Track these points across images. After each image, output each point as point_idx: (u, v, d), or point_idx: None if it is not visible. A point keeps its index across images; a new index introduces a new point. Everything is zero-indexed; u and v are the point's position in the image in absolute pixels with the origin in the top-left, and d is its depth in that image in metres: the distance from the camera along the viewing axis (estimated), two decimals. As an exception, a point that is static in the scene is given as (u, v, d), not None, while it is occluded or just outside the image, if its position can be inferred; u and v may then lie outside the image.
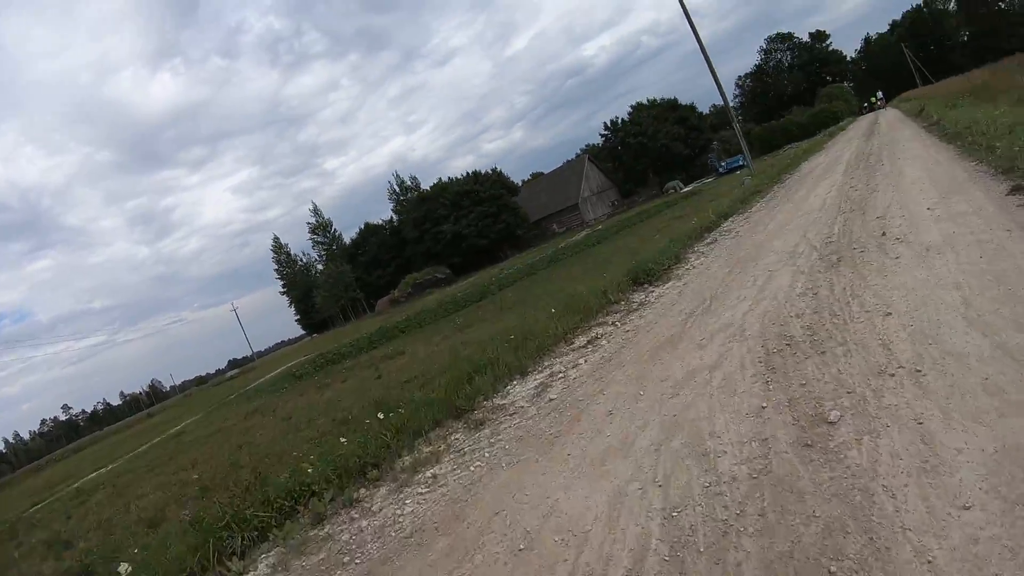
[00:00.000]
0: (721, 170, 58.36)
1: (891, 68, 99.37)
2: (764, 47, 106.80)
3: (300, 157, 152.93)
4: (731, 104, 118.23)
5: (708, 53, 22.67)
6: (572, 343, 8.13)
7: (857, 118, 61.59)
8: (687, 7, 22.88)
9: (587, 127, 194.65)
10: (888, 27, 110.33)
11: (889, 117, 35.60)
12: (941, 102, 23.06)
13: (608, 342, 7.46)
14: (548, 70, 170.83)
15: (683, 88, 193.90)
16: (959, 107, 17.04)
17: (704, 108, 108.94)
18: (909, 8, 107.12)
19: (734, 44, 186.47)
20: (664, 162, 67.86)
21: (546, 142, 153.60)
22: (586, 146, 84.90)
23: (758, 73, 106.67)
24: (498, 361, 7.77)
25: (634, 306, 9.00)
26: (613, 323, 8.36)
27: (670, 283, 9.72)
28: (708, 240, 12.95)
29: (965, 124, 12.27)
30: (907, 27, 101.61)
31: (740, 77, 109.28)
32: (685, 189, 55.38)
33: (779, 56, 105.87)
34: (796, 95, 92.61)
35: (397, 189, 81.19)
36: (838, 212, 9.42)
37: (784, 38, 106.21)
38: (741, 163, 54.82)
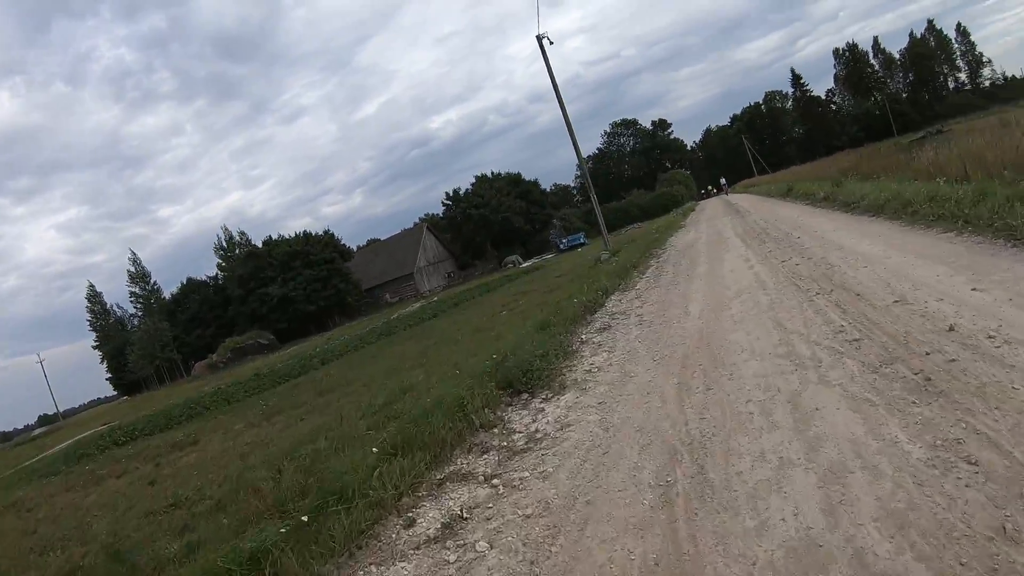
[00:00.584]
0: (562, 247, 65.54)
1: (728, 157, 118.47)
2: (608, 131, 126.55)
3: (133, 201, 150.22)
4: (572, 185, 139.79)
5: (572, 127, 27.91)
6: (411, 518, 4.93)
7: (698, 202, 72.78)
8: (560, 91, 28.71)
9: (426, 199, 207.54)
10: (729, 120, 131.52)
11: (746, 200, 41.31)
12: (809, 184, 26.28)
13: (479, 533, 4.44)
14: (394, 138, 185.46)
15: (525, 168, 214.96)
16: (846, 185, 18.74)
17: (546, 186, 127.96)
18: (749, 104, 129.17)
19: (579, 128, 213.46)
20: (504, 236, 76.30)
21: (385, 210, 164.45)
22: (425, 215, 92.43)
23: (601, 156, 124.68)
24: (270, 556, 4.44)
25: (517, 439, 6.19)
26: (484, 477, 5.48)
27: (567, 394, 7.21)
28: (596, 324, 10.99)
29: (886, 198, 12.95)
30: (746, 121, 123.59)
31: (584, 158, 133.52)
32: (524, 264, 62.54)
33: (622, 141, 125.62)
34: (636, 178, 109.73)
35: (224, 244, 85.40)
36: (800, 291, 8.13)
37: (628, 124, 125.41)
38: (582, 241, 64.61)
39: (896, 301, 6.61)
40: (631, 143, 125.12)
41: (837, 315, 6.82)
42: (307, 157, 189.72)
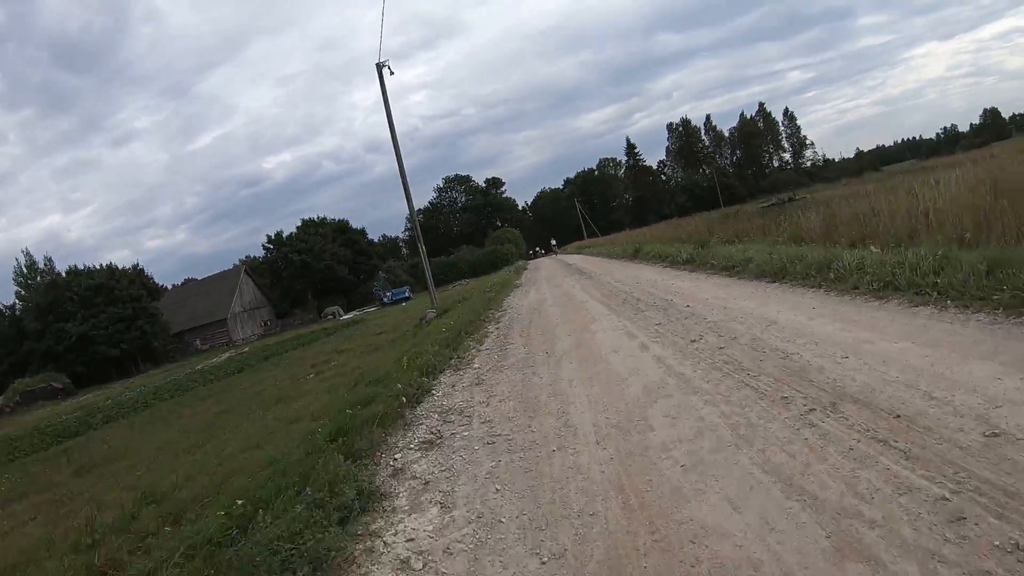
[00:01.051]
0: (386, 300, 69.60)
1: (559, 219, 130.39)
2: (441, 186, 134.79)
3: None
4: (401, 237, 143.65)
5: (404, 171, 29.35)
6: None
7: (528, 261, 77.99)
8: (396, 131, 31.46)
9: (252, 241, 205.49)
10: (562, 183, 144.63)
11: (585, 260, 44.61)
12: (659, 245, 29.21)
13: None
14: (225, 175, 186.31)
15: (356, 217, 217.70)
16: (713, 248, 19.75)
17: (375, 236, 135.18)
18: (582, 169, 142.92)
19: (414, 182, 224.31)
20: (326, 285, 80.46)
21: (208, 249, 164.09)
22: (246, 257, 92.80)
23: (432, 210, 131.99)
24: None
25: None
26: None
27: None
28: (420, 430, 7.74)
29: (781, 261, 12.78)
30: (579, 184, 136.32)
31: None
32: (345, 316, 65.62)
33: (454, 196, 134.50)
34: (466, 235, 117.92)
35: (25, 270, 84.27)
36: (768, 400, 5.77)
37: (461, 180, 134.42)
38: (407, 295, 67.58)
39: (992, 434, 4.18)
40: (463, 199, 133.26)
41: (905, 469, 3.97)
42: (133, 184, 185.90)
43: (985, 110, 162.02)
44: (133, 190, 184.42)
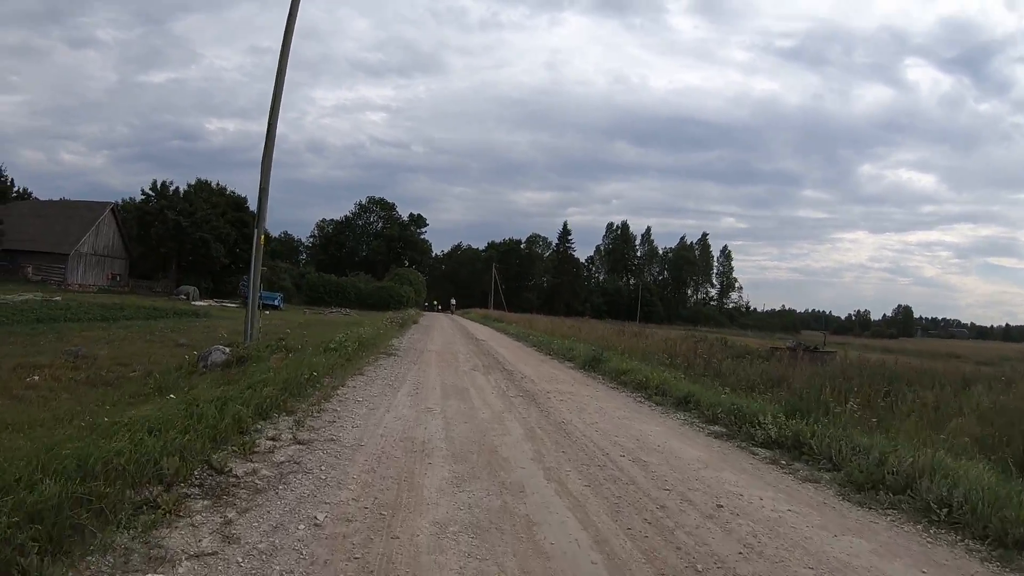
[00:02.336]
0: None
1: (471, 280, 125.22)
2: (363, 203, 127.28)
3: None
4: (304, 241, 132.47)
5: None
6: None
7: (424, 313, 73.47)
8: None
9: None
10: (484, 245, 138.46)
11: (489, 334, 38.82)
12: (587, 346, 24.69)
13: None
14: (165, 119, 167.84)
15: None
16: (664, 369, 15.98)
17: (275, 231, 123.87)
18: (508, 239, 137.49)
19: (338, 196, 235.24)
20: (197, 259, 72.48)
21: (121, 185, 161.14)
22: (125, 200, 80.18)
23: (344, 224, 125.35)
24: None
25: None
26: None
27: None
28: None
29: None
30: (502, 252, 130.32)
31: (324, 220, 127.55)
32: (199, 303, 58.90)
33: (371, 219, 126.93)
34: (372, 262, 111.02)
35: None
36: None
37: (384, 206, 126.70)
38: (278, 304, 61.04)
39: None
40: (379, 224, 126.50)
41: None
42: (72, 92, 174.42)
43: (900, 306, 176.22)
44: (69, 97, 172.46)
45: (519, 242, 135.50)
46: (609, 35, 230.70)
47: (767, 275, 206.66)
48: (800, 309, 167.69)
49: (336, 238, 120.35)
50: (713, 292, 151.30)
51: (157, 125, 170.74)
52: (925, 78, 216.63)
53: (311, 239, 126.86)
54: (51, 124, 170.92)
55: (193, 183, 76.50)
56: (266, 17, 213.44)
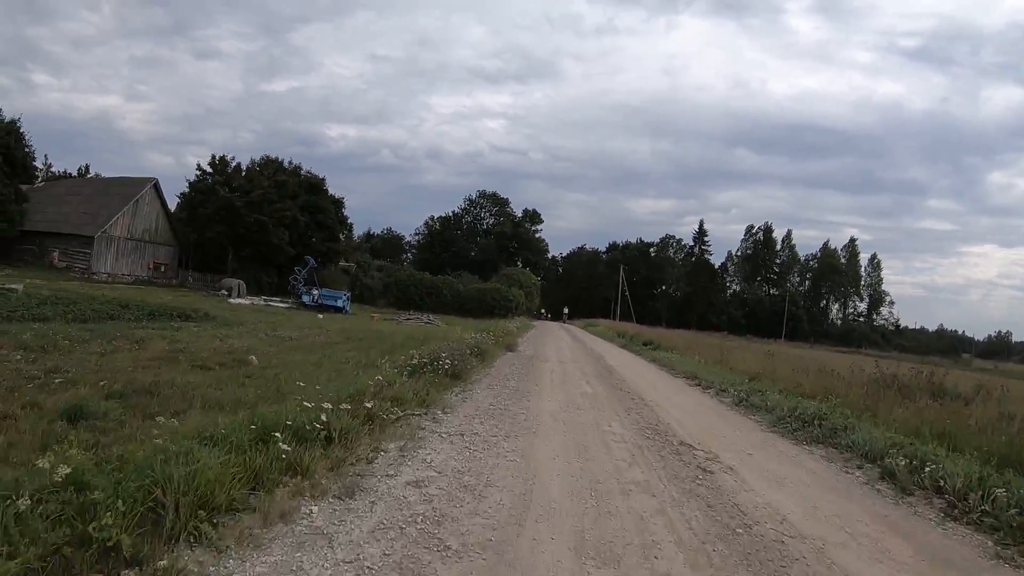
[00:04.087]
0: (307, 300, 48.03)
1: (590, 285, 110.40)
2: (472, 198, 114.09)
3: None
4: (407, 238, 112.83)
5: None
6: None
7: (533, 323, 59.58)
8: None
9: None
10: (607, 246, 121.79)
11: (638, 369, 22.56)
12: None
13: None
14: (286, 125, 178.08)
15: (380, 217, 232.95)
16: None
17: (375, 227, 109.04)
18: (637, 240, 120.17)
19: (455, 202, 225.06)
20: (255, 248, 58.62)
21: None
22: (188, 183, 60.94)
23: (452, 220, 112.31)
24: None
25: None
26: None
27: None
28: None
29: None
30: (626, 255, 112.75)
31: (432, 217, 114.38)
32: (239, 300, 45.98)
33: (482, 214, 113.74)
34: (478, 263, 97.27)
35: None
36: None
37: (496, 200, 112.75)
38: (342, 305, 47.08)
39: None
40: (490, 220, 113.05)
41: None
42: (198, 101, 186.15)
43: None
44: (195, 106, 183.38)
45: (649, 244, 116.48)
46: (727, 38, 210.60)
47: (891, 290, 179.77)
48: (918, 325, 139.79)
49: (443, 235, 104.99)
50: (862, 306, 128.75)
51: (279, 132, 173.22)
52: None
53: (417, 236, 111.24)
54: (179, 131, 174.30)
55: (258, 159, 60.36)
56: (382, 24, 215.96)
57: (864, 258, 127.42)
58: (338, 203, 65.88)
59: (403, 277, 67.79)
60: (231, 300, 43.16)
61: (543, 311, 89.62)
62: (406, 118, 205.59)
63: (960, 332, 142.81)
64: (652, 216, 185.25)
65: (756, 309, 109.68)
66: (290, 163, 63.96)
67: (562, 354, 23.45)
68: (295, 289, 48.12)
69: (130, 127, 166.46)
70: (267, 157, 62.42)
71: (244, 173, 58.44)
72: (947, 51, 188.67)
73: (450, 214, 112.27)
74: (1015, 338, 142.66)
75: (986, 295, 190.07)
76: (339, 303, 46.01)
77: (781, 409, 11.50)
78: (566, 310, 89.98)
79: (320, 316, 38.56)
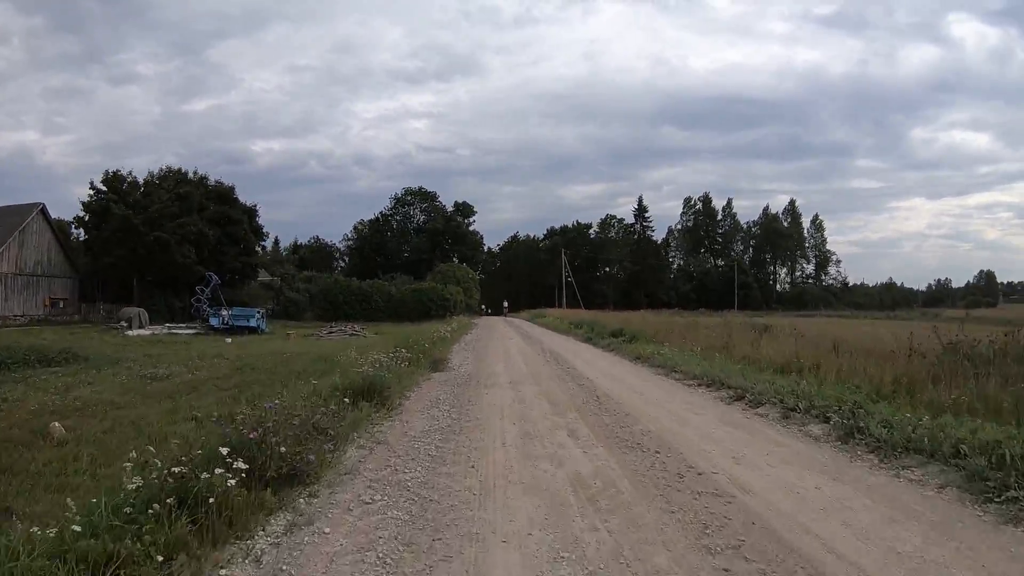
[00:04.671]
0: (216, 322, 41.76)
1: (532, 275, 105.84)
2: (399, 196, 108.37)
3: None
4: (336, 245, 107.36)
5: None
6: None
7: (474, 320, 56.15)
8: None
9: None
10: (545, 232, 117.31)
11: (576, 350, 20.77)
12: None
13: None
14: (211, 145, 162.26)
15: (312, 226, 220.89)
16: None
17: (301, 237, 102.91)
18: (575, 223, 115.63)
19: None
20: (161, 269, 51.47)
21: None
22: (82, 205, 54.58)
23: (381, 222, 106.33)
24: None
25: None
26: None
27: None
28: None
29: None
30: (567, 238, 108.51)
31: (361, 221, 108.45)
32: (139, 331, 39.40)
33: (412, 212, 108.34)
34: (412, 263, 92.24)
35: None
36: None
37: (425, 196, 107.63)
38: (255, 324, 41.27)
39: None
40: (421, 218, 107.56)
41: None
42: (117, 127, 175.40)
43: (981, 271, 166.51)
44: (115, 133, 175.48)
45: (587, 226, 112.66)
46: (645, 19, 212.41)
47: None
48: (861, 281, 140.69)
49: (372, 239, 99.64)
50: (809, 268, 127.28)
51: (203, 152, 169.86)
52: (971, 33, 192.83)
53: (346, 243, 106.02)
54: (101, 160, 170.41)
55: (157, 171, 55.01)
56: (300, 35, 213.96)
57: (806, 221, 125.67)
58: (251, 212, 60.54)
59: (329, 286, 62.65)
60: (129, 332, 38.14)
61: (483, 307, 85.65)
62: (331, 127, 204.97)
63: (900, 284, 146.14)
64: (586, 201, 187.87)
65: (704, 281, 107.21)
66: (195, 173, 58.53)
67: (514, 366, 17.61)
68: (200, 312, 43.08)
69: (52, 160, 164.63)
70: (168, 169, 56.93)
71: (142, 188, 53.07)
72: (862, 15, 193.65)
73: (378, 216, 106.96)
74: (954, 284, 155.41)
75: (917, 246, 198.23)
76: (252, 322, 41.21)
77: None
78: (505, 303, 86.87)
79: (228, 340, 33.81)
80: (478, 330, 38.86)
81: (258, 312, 42.61)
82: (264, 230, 63.92)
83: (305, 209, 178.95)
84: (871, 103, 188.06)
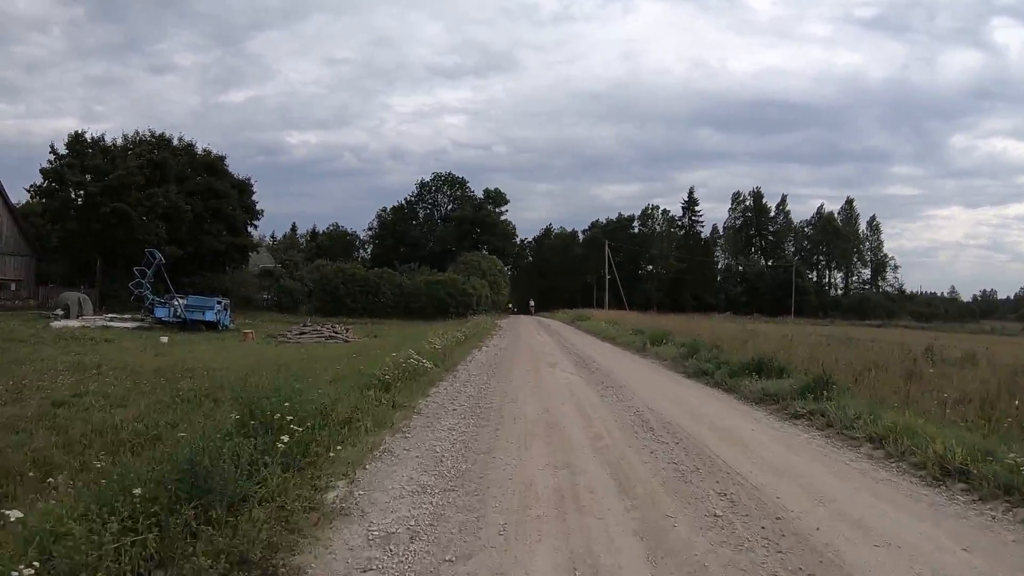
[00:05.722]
0: (163, 314, 33.76)
1: (566, 270, 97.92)
2: (426, 181, 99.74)
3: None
4: (358, 234, 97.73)
5: None
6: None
7: (500, 322, 45.97)
8: None
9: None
10: (587, 227, 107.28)
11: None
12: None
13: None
14: (247, 136, 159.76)
15: (347, 217, 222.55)
16: None
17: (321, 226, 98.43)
18: (618, 216, 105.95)
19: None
20: (124, 246, 43.84)
21: None
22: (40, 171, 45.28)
23: (405, 209, 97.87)
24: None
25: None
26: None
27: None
28: None
29: None
30: (608, 231, 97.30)
31: (384, 208, 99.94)
32: (69, 322, 32.15)
33: (439, 199, 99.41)
34: (437, 254, 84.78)
35: None
36: None
37: (454, 182, 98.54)
38: (212, 318, 33.28)
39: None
40: (449, 207, 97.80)
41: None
42: (155, 116, 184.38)
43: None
44: (153, 122, 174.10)
45: (630, 219, 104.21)
46: (684, 19, 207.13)
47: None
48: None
49: (396, 227, 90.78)
50: (866, 273, 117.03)
51: (239, 143, 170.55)
52: (1014, 39, 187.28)
53: (368, 232, 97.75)
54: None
55: (131, 134, 47.01)
56: (338, 27, 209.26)
57: (863, 221, 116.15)
58: (243, 187, 52.03)
59: (328, 274, 53.95)
60: (55, 324, 30.22)
61: (510, 305, 78.78)
62: (367, 120, 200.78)
63: (939, 294, 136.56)
64: (620, 201, 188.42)
65: (757, 284, 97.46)
66: (180, 139, 50.36)
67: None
68: (145, 298, 34.41)
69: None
70: (148, 133, 48.78)
71: (109, 152, 44.97)
72: (904, 18, 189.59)
73: (402, 202, 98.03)
74: (999, 296, 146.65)
75: (954, 256, 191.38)
76: (208, 315, 32.78)
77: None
78: (532, 302, 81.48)
79: (164, 339, 25.63)
80: (503, 338, 29.59)
81: (218, 303, 33.91)
82: (258, 207, 55.12)
83: (338, 202, 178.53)
84: (910, 109, 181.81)
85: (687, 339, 20.17)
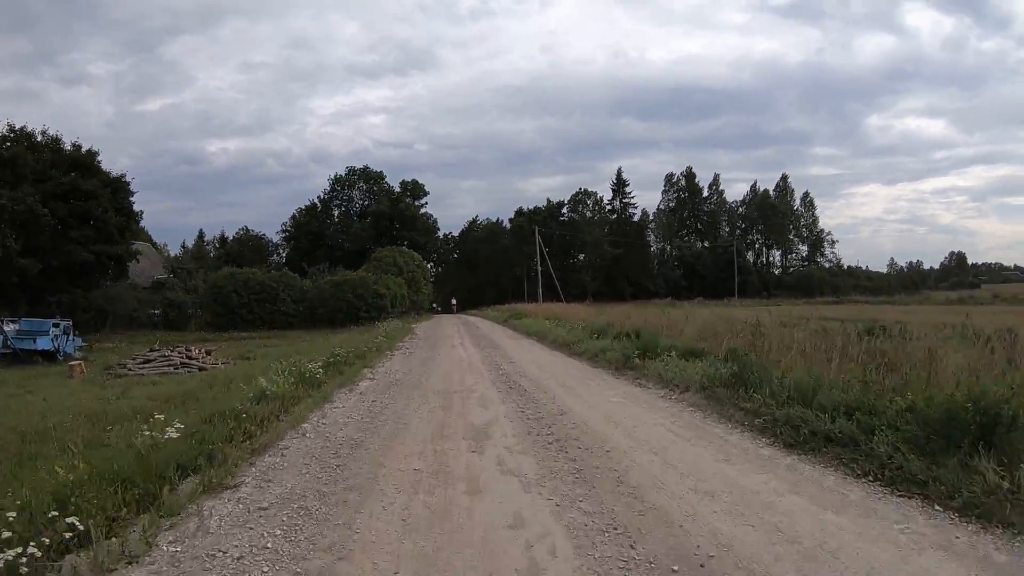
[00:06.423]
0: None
1: (495, 266, 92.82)
2: (340, 176, 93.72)
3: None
4: (275, 240, 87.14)
5: None
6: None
7: (419, 323, 42.13)
8: None
9: (184, 220, 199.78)
10: (512, 214, 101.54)
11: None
12: None
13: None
14: (166, 145, 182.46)
15: (270, 223, 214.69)
16: None
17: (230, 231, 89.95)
18: (547, 202, 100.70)
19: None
20: None
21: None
22: None
23: (317, 208, 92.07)
24: None
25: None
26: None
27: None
28: None
29: None
30: (539, 219, 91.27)
31: (299, 209, 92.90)
32: None
33: (355, 195, 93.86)
34: (351, 254, 79.16)
35: None
36: None
37: (369, 176, 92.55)
38: (47, 347, 26.44)
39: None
40: (365, 203, 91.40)
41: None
42: (70, 129, 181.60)
43: (952, 253, 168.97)
44: (68, 135, 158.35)
45: (559, 205, 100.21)
46: (603, 10, 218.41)
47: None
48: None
49: (309, 227, 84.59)
50: (804, 251, 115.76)
51: (159, 153, 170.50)
52: (925, 21, 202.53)
53: (281, 234, 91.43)
54: None
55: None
56: (255, 31, 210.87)
57: (797, 198, 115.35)
58: (117, 186, 45.52)
59: (218, 281, 47.59)
60: None
61: (434, 305, 75.76)
62: (288, 124, 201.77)
63: (865, 267, 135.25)
64: (547, 194, 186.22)
65: (696, 266, 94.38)
66: (43, 133, 43.80)
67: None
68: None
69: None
70: (8, 127, 42.25)
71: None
72: (818, 4, 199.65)
73: (315, 201, 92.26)
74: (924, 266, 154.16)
75: (875, 231, 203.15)
76: (40, 344, 26.05)
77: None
78: (453, 300, 78.05)
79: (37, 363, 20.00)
80: (403, 357, 20.35)
81: (55, 325, 27.25)
82: (136, 210, 48.54)
83: (265, 209, 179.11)
84: (828, 92, 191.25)
85: (619, 331, 17.60)
